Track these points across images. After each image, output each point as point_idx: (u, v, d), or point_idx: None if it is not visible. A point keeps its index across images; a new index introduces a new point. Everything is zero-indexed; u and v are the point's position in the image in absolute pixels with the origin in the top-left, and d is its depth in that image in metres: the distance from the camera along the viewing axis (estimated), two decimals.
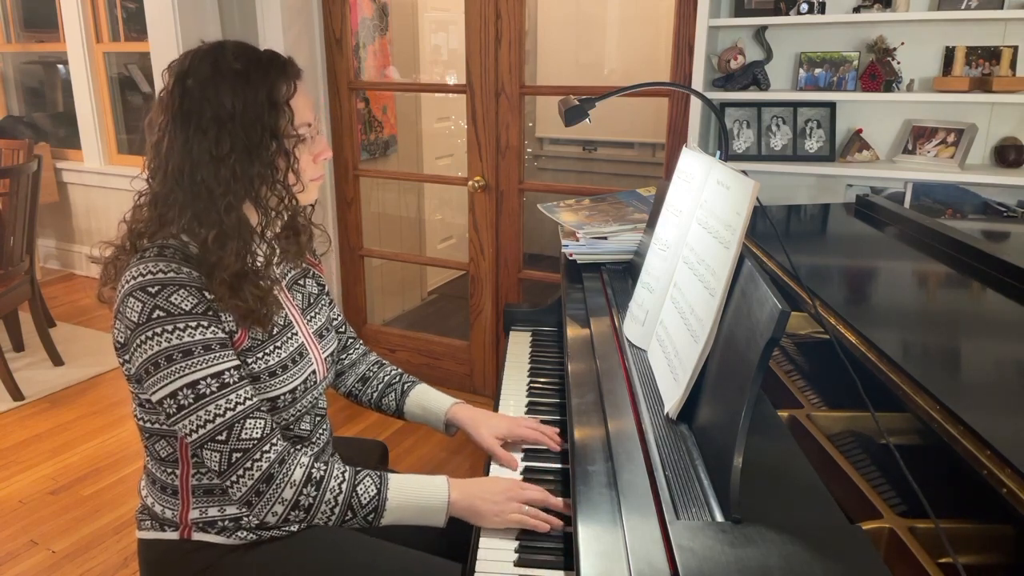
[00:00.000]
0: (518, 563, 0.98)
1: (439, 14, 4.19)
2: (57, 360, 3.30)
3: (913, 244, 1.48)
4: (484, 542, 1.03)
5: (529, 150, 4.54)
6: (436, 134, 4.22)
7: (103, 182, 4.29)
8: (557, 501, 1.07)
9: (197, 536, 1.14)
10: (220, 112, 1.02)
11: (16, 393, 2.99)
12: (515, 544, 1.02)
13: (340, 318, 1.39)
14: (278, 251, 1.18)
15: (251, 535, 1.14)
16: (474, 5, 2.65)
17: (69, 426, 2.81)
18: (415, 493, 1.09)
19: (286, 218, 1.17)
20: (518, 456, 1.22)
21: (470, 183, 2.84)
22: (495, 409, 1.35)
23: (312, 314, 1.24)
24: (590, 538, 0.83)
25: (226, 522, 1.13)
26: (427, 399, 1.35)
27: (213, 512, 1.13)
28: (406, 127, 3.95)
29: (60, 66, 4.60)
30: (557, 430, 1.27)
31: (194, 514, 1.13)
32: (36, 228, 3.19)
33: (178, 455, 1.12)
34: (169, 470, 1.14)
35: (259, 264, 1.12)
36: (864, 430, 1.02)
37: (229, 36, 2.96)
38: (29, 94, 4.92)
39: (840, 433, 1.03)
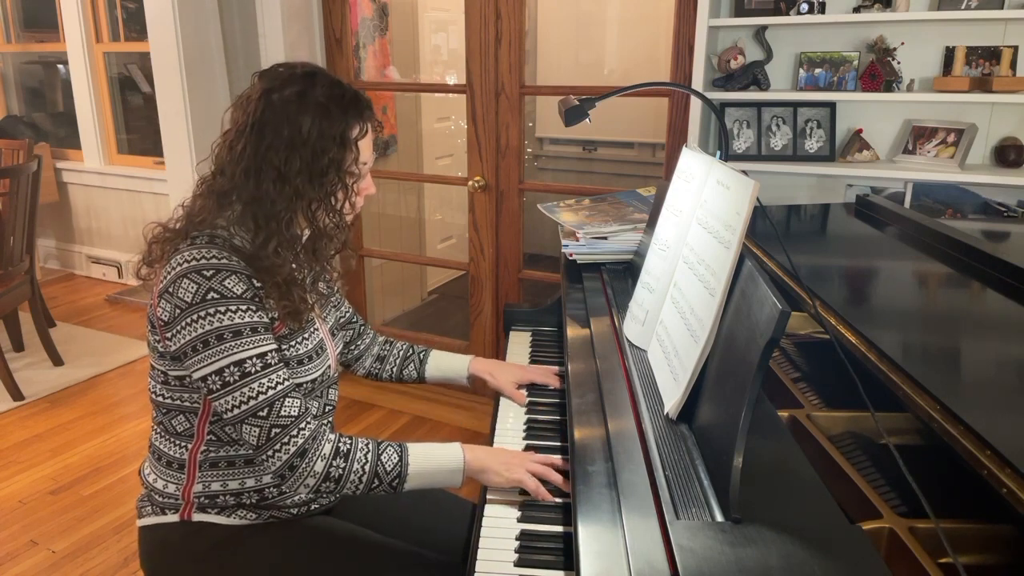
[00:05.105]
0: (518, 563, 0.98)
1: (439, 14, 4.19)
2: (57, 360, 3.29)
3: (913, 244, 1.48)
4: (484, 541, 1.03)
5: (529, 150, 4.54)
6: (436, 134, 4.22)
7: (103, 182, 4.29)
8: (557, 477, 1.12)
9: (197, 517, 1.17)
10: (295, 135, 1.09)
11: (16, 393, 2.99)
12: (515, 544, 1.02)
13: (350, 311, 1.46)
14: (318, 266, 1.29)
15: (250, 513, 1.18)
16: (474, 5, 2.65)
17: (69, 426, 2.81)
18: (433, 458, 1.14)
19: (334, 240, 1.26)
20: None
21: (470, 183, 2.84)
22: (496, 408, 1.40)
23: (325, 314, 1.32)
24: (590, 538, 0.83)
25: (227, 498, 1.17)
26: (445, 362, 1.51)
27: (216, 487, 1.17)
28: (406, 127, 3.96)
29: (60, 66, 4.60)
30: (556, 369, 1.48)
31: (197, 488, 1.17)
32: (36, 228, 3.19)
33: (195, 430, 1.17)
34: (181, 443, 1.18)
35: (305, 274, 1.21)
36: (864, 430, 1.02)
37: (229, 36, 2.96)
38: (29, 94, 4.92)
39: (840, 433, 1.03)
